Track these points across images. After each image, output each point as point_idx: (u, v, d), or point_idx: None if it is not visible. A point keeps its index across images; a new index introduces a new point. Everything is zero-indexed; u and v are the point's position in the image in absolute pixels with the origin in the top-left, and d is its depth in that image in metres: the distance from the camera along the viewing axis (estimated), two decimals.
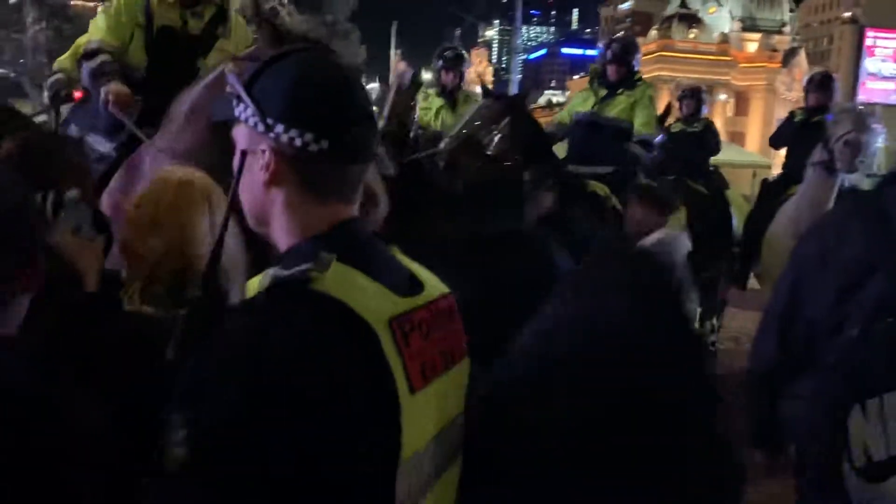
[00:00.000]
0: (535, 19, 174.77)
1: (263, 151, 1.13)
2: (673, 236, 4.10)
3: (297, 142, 1.11)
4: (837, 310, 1.61)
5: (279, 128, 1.11)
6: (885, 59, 63.45)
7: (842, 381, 1.58)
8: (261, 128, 1.12)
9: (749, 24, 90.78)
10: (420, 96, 4.91)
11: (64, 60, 3.46)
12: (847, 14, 76.51)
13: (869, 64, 63.82)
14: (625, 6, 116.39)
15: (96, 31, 3.24)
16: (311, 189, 1.14)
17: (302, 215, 1.14)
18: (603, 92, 5.51)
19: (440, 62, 6.20)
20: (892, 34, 64.29)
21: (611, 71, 5.47)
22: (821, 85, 6.15)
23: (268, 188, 1.14)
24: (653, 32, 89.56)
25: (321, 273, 1.01)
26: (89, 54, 3.16)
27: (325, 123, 1.12)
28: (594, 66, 6.05)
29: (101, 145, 3.09)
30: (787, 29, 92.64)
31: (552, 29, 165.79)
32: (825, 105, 6.08)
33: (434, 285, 1.23)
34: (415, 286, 1.17)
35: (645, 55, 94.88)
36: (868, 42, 64.15)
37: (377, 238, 1.21)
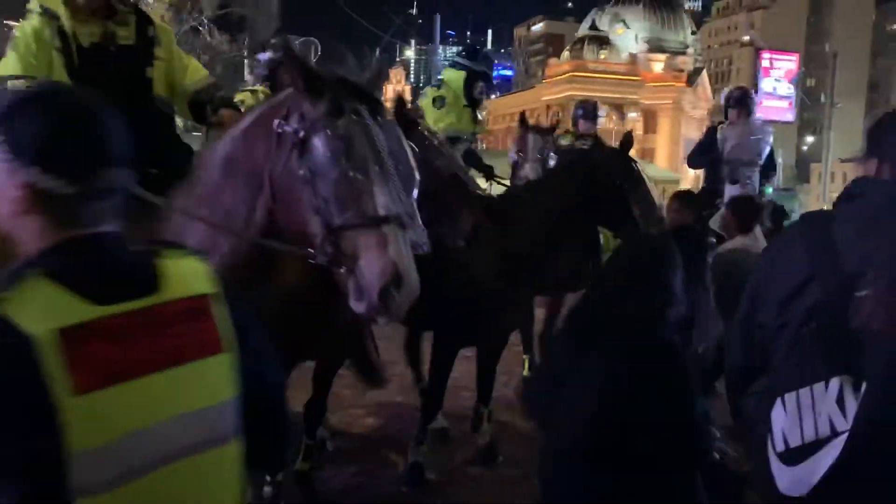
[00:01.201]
0: (452, 39, 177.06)
1: (16, 186, 1.21)
2: (749, 244, 4.74)
3: (49, 185, 1.20)
4: (780, 316, 1.79)
5: (32, 170, 1.20)
6: (779, 79, 67.21)
7: (772, 378, 1.78)
8: (15, 166, 1.20)
9: (655, 46, 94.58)
10: None
11: None
12: (745, 38, 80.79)
13: (765, 84, 67.44)
14: (537, 28, 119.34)
15: (6, 68, 2.83)
16: (56, 220, 1.23)
17: (41, 240, 1.23)
18: None
19: None
20: (786, 56, 68.20)
21: None
22: (740, 101, 6.47)
23: (15, 216, 1.23)
24: (565, 53, 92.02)
25: (5, 292, 1.12)
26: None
27: (75, 169, 1.21)
28: None
29: None
30: (690, 50, 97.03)
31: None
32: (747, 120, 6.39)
33: (183, 287, 1.29)
34: (141, 291, 1.24)
35: (558, 75, 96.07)
36: (764, 63, 67.85)
37: (130, 248, 1.29)
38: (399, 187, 2.08)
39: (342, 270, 2.02)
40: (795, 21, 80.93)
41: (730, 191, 5.95)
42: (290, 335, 2.45)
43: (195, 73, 3.06)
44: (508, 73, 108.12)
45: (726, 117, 6.55)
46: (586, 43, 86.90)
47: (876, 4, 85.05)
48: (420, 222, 2.12)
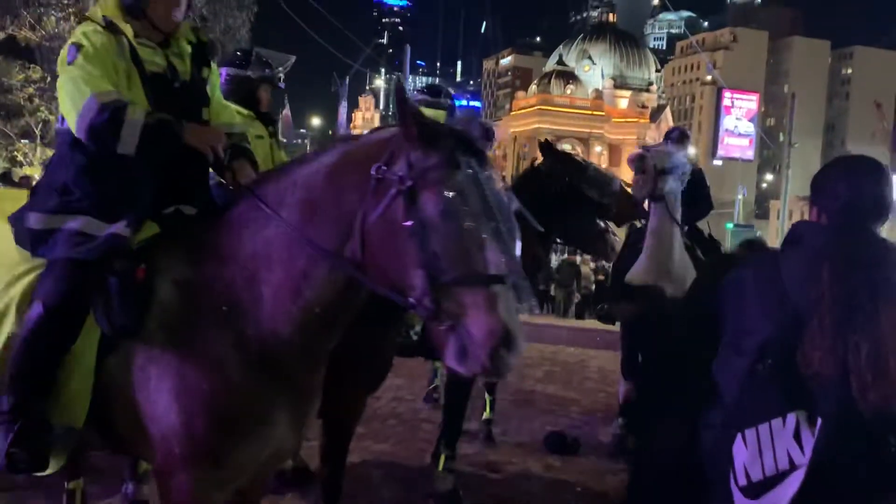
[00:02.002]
0: (422, 69, 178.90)
1: None
2: None
3: None
4: (733, 353, 1.89)
5: None
6: (739, 117, 69.07)
7: (731, 413, 1.87)
8: None
9: (620, 82, 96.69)
10: None
11: None
12: (708, 77, 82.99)
13: (727, 121, 69.27)
14: (505, 61, 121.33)
15: (94, 83, 2.38)
16: None
17: None
18: None
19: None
20: (746, 95, 70.22)
21: None
22: (678, 141, 6.75)
23: None
24: (532, 87, 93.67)
25: None
26: (118, 108, 2.35)
27: None
28: None
29: (93, 228, 2.38)
30: (653, 87, 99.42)
31: (437, 79, 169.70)
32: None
33: None
34: None
35: (525, 108, 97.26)
36: (726, 102, 69.73)
37: None
38: (510, 244, 2.00)
39: (443, 327, 1.92)
40: (755, 62, 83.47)
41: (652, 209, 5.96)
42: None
43: (231, 117, 2.85)
44: (477, 104, 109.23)
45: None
46: (553, 77, 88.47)
47: (832, 49, 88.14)
48: (527, 281, 2.03)
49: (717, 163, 67.96)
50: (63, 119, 2.49)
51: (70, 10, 18.04)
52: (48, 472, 2.33)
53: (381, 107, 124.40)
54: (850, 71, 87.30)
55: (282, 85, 4.50)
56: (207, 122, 2.66)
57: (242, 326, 2.21)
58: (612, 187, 4.60)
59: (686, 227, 5.91)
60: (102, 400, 2.26)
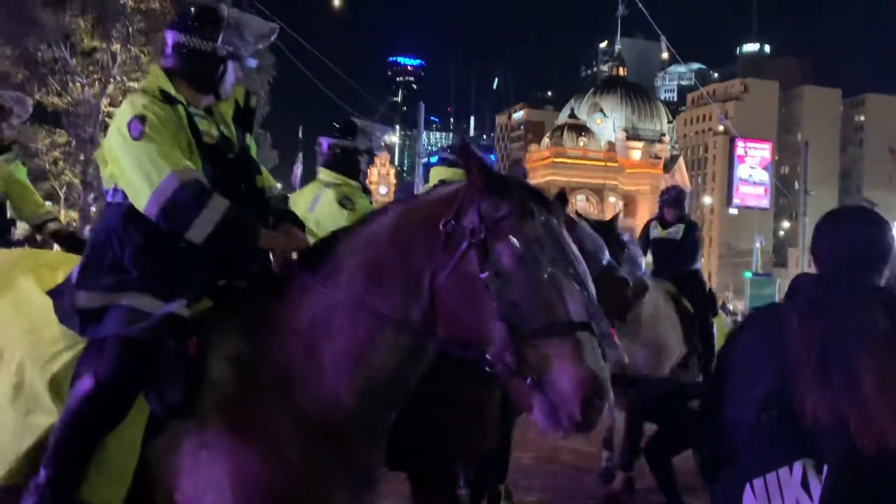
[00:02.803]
0: (435, 125, 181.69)
1: None
2: None
3: None
4: (739, 405, 1.91)
5: None
6: (753, 166, 69.17)
7: (739, 464, 1.88)
8: None
9: (632, 134, 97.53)
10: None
11: None
12: (720, 127, 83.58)
13: (741, 170, 69.33)
14: (518, 115, 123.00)
15: (171, 158, 2.28)
16: None
17: None
18: None
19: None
20: (760, 144, 70.33)
21: None
22: (675, 201, 6.86)
23: None
24: (545, 140, 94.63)
25: None
26: (203, 193, 2.26)
27: None
28: None
29: (143, 303, 2.27)
30: (665, 138, 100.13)
31: (451, 135, 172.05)
32: (681, 217, 6.81)
33: None
34: None
35: (539, 161, 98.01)
36: (739, 151, 69.92)
37: None
38: (591, 290, 1.93)
39: (527, 383, 1.82)
40: (767, 112, 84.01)
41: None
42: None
43: (270, 181, 2.72)
44: (491, 158, 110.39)
45: (662, 215, 6.88)
46: (566, 130, 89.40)
47: (843, 97, 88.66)
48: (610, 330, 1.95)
49: (733, 211, 67.78)
50: (114, 192, 2.40)
51: (95, 76, 18.63)
52: None
53: (396, 162, 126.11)
54: (862, 118, 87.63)
55: (377, 153, 4.48)
56: (262, 191, 2.58)
57: (302, 401, 2.09)
58: (598, 262, 3.85)
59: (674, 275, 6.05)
60: (142, 481, 2.15)
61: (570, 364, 1.79)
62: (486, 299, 1.89)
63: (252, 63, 2.64)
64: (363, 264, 2.16)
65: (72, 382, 2.22)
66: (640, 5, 15.43)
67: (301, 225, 2.56)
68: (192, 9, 2.57)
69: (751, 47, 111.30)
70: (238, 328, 2.22)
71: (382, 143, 4.62)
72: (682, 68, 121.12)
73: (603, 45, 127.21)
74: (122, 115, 2.38)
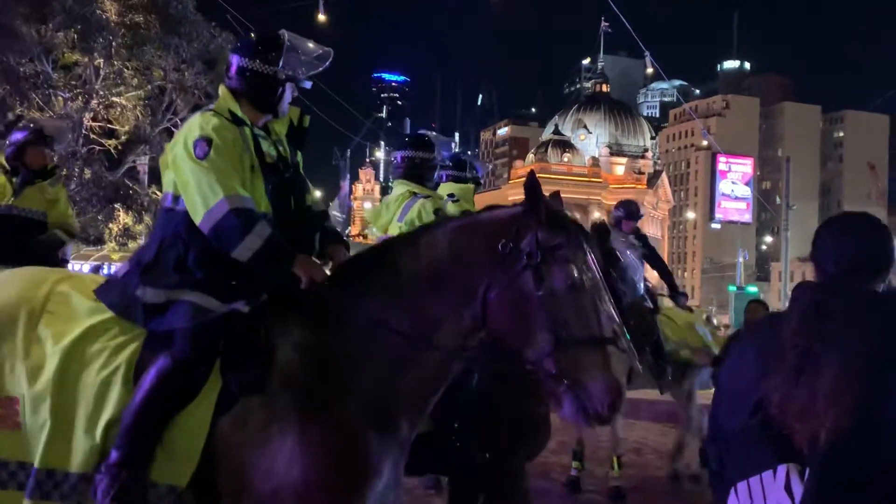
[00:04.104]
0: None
1: None
2: None
3: None
4: (733, 413, 1.90)
5: None
6: (735, 181, 69.89)
7: (726, 469, 1.89)
8: None
9: (616, 150, 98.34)
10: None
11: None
12: (704, 143, 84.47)
13: (723, 186, 70.02)
14: (502, 131, 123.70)
15: (229, 184, 2.48)
16: None
17: None
18: None
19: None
20: (742, 159, 71.16)
21: None
22: (632, 214, 6.96)
23: None
24: (530, 156, 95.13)
25: None
26: (250, 219, 2.46)
27: None
28: None
29: (204, 301, 2.47)
30: (649, 154, 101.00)
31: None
32: (637, 230, 6.94)
33: None
34: None
35: (524, 176, 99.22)
36: (721, 166, 70.64)
37: None
38: (615, 312, 2.31)
39: (561, 387, 2.21)
40: (748, 128, 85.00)
41: None
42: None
43: (313, 194, 2.98)
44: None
45: (619, 227, 6.96)
46: (550, 146, 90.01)
47: (823, 113, 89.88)
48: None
49: (716, 226, 68.45)
50: (176, 199, 2.59)
51: (77, 91, 18.49)
52: None
53: (381, 178, 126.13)
54: (842, 134, 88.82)
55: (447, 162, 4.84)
56: (309, 208, 2.82)
57: (362, 382, 2.37)
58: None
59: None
60: (207, 459, 2.34)
61: (600, 372, 2.19)
62: (538, 313, 2.25)
63: (307, 84, 2.82)
64: (420, 271, 2.45)
65: (137, 368, 2.41)
66: (626, 22, 15.60)
67: (345, 244, 2.86)
68: (253, 35, 2.83)
69: (731, 64, 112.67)
70: (301, 320, 2.47)
71: (445, 154, 4.84)
72: (664, 85, 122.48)
73: (586, 62, 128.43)
74: (192, 130, 2.59)
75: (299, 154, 2.85)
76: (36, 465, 2.36)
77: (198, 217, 2.48)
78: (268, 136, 2.71)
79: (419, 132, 4.79)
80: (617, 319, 2.29)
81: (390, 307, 2.42)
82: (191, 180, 2.52)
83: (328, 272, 2.62)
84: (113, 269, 10.28)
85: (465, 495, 3.60)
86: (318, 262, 2.67)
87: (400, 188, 4.28)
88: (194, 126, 2.58)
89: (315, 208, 2.87)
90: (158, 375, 2.35)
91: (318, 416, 2.32)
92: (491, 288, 2.32)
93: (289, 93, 2.74)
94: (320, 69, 2.85)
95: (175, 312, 2.45)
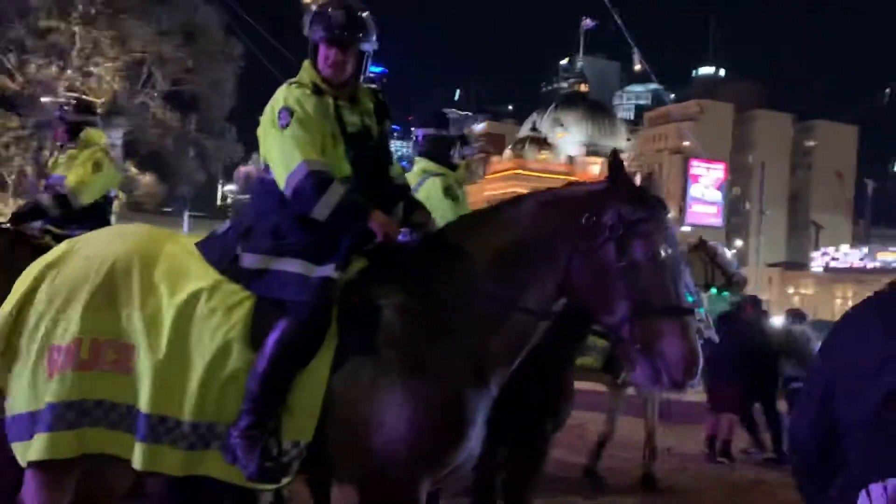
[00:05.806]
0: (396, 134, 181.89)
1: None
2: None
3: None
4: (856, 401, 1.64)
5: None
6: (707, 185, 70.63)
7: (852, 470, 1.62)
8: None
9: (592, 150, 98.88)
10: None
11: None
12: (686, 143, 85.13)
13: (694, 190, 70.79)
14: (479, 127, 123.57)
15: (304, 149, 2.65)
16: None
17: None
18: None
19: None
20: (714, 164, 72.07)
21: None
22: None
23: None
24: (507, 152, 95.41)
25: None
26: (325, 180, 2.63)
27: None
28: None
29: (301, 268, 2.63)
30: (624, 156, 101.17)
31: (411, 143, 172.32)
32: None
33: None
34: None
35: (500, 172, 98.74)
36: (693, 171, 71.36)
37: None
38: (691, 284, 2.45)
39: (636, 350, 2.37)
40: (721, 133, 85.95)
41: None
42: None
43: (397, 167, 3.09)
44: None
45: None
46: (527, 143, 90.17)
47: (795, 122, 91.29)
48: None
49: (686, 229, 69.24)
50: (269, 169, 2.76)
51: (52, 57, 17.88)
52: (280, 485, 2.57)
53: None
54: (812, 143, 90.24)
55: (469, 142, 4.95)
56: (393, 179, 2.98)
57: (459, 341, 2.57)
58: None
59: None
60: (323, 415, 2.53)
61: (678, 339, 2.33)
62: (619, 282, 2.41)
63: (370, 47, 2.89)
64: (509, 240, 2.62)
65: (254, 331, 2.55)
66: (617, 18, 15.52)
67: (427, 212, 2.99)
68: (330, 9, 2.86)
69: (706, 70, 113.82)
70: (403, 283, 2.64)
71: (467, 132, 4.86)
72: (639, 87, 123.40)
73: (564, 61, 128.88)
74: (276, 101, 2.76)
75: (387, 123, 3.00)
76: (148, 410, 2.49)
77: (281, 181, 2.65)
78: (354, 107, 2.85)
79: (438, 110, 5.05)
80: (694, 291, 2.48)
81: (483, 273, 2.59)
82: (274, 148, 2.71)
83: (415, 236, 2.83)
84: None
85: (484, 474, 3.52)
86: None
87: (416, 166, 4.40)
88: (279, 97, 2.75)
89: (398, 180, 3.01)
90: (282, 340, 2.48)
91: (424, 372, 2.50)
92: (574, 258, 2.50)
93: (366, 61, 2.86)
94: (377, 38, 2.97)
95: (271, 278, 2.60)
